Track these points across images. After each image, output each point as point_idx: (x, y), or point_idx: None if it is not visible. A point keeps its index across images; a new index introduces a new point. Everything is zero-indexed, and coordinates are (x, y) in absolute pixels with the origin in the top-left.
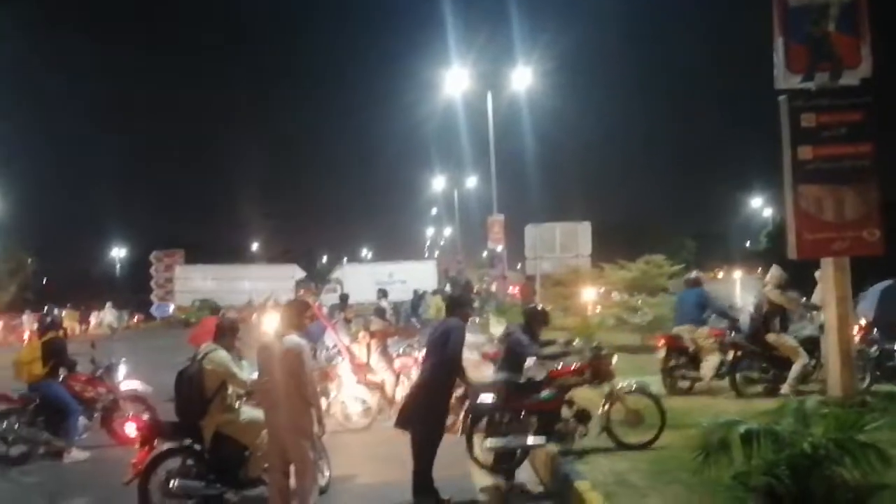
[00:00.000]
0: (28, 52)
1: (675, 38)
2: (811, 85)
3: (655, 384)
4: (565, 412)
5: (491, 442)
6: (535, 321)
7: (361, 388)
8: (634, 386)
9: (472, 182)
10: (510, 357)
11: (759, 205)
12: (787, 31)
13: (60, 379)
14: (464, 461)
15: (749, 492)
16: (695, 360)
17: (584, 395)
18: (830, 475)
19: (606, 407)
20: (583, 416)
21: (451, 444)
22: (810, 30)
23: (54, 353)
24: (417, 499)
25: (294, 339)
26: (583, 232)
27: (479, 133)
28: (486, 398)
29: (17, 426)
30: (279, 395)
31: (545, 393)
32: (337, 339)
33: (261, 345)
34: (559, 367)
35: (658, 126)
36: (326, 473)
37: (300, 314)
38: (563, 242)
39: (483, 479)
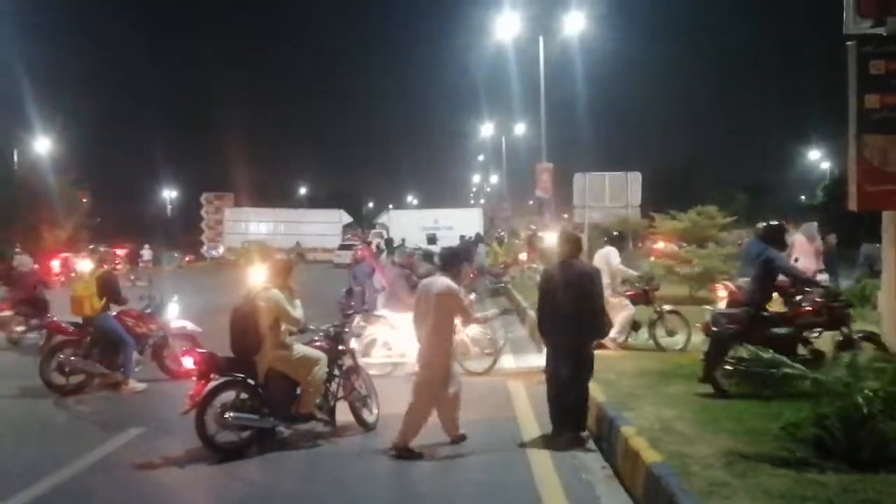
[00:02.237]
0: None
1: None
2: (882, 30)
3: None
4: (801, 351)
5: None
6: (775, 240)
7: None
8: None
9: (520, 129)
10: (764, 280)
11: (816, 157)
12: None
13: (114, 314)
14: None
15: (797, 442)
16: None
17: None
18: (883, 429)
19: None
20: (818, 357)
21: (490, 390)
22: None
23: (107, 287)
24: (567, 433)
25: (445, 281)
26: (633, 181)
27: (529, 79)
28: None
29: (73, 357)
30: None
31: (784, 329)
32: (384, 281)
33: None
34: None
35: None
36: (375, 411)
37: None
38: (613, 192)
39: (528, 424)
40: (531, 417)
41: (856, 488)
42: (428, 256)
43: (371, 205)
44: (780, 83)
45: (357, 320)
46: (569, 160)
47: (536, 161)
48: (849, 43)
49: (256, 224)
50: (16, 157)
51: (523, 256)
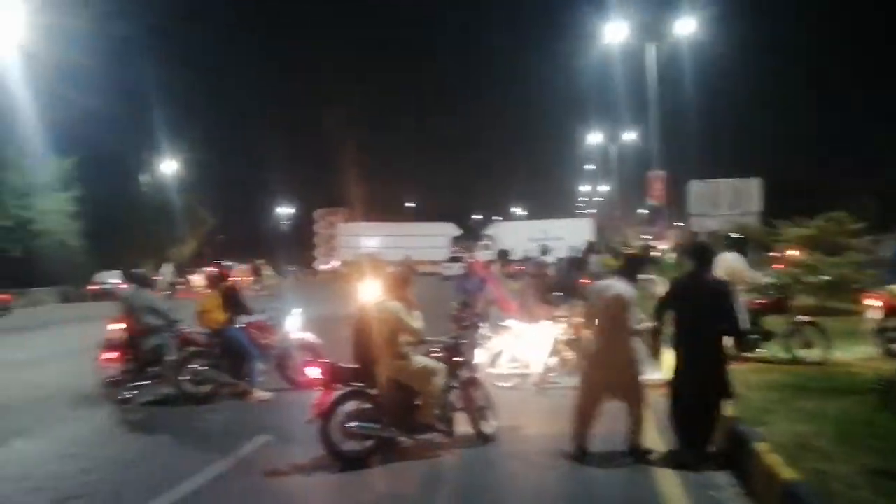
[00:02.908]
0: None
1: None
2: None
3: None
4: None
5: None
6: None
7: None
8: None
9: (629, 137)
10: None
11: None
12: None
13: (239, 326)
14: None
15: None
16: None
17: None
18: None
19: None
20: None
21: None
22: None
23: (232, 301)
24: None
25: (621, 285)
26: (753, 188)
27: (638, 86)
28: None
29: (203, 367)
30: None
31: None
32: (496, 293)
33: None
34: None
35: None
36: (493, 422)
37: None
38: (731, 199)
39: (650, 437)
40: (653, 431)
41: None
42: (539, 266)
43: (480, 217)
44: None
45: (482, 331)
46: (680, 168)
47: (647, 169)
48: None
49: (368, 238)
50: (142, 178)
51: None
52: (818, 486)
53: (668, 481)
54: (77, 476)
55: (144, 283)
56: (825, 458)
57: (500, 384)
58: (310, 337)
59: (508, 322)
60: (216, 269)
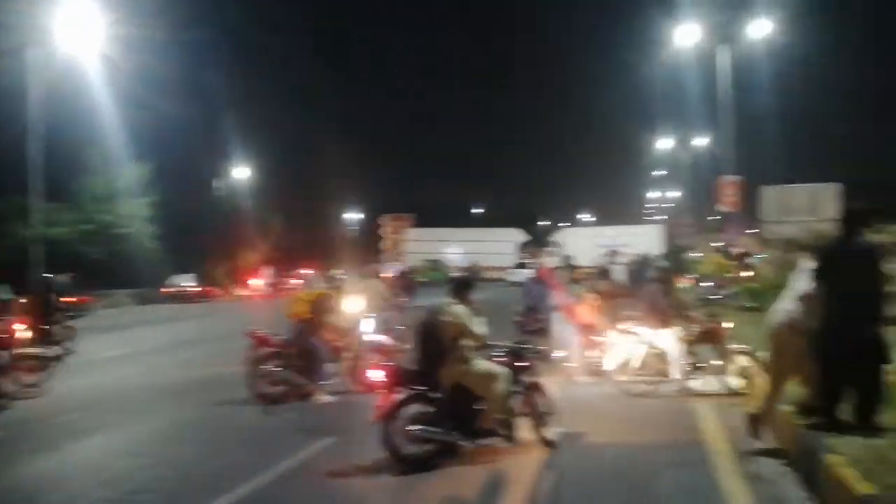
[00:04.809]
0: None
1: None
2: None
3: None
4: None
5: None
6: None
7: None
8: None
9: (702, 142)
10: None
11: None
12: None
13: (318, 327)
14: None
15: None
16: None
17: None
18: None
19: None
20: None
21: (676, 411)
22: None
23: (321, 308)
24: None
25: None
26: (830, 194)
27: (710, 90)
28: None
29: (276, 368)
30: None
31: None
32: (562, 300)
33: None
34: None
35: None
36: (556, 428)
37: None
38: (807, 205)
39: (720, 449)
40: (723, 442)
41: None
42: (603, 273)
43: (547, 222)
44: None
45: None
46: (753, 174)
47: (718, 175)
48: None
49: (436, 243)
50: (215, 184)
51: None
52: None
53: (737, 498)
54: (147, 470)
55: None
56: None
57: (631, 391)
58: (385, 339)
59: (636, 328)
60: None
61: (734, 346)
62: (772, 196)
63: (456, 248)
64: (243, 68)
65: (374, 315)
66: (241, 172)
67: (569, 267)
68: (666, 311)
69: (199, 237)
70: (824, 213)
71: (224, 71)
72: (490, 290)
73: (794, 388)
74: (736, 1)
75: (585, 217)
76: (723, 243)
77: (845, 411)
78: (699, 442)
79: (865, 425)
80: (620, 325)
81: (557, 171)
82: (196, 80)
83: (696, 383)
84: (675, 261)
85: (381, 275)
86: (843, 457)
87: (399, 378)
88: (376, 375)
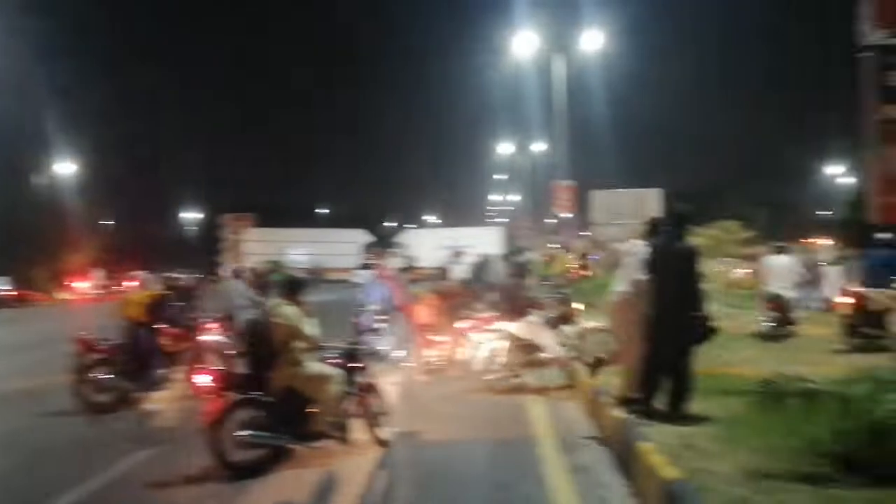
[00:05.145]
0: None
1: None
2: None
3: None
4: None
5: None
6: None
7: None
8: None
9: (540, 147)
10: None
11: (835, 172)
12: None
13: (152, 331)
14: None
15: (819, 457)
16: (879, 320)
17: None
18: None
19: None
20: None
21: (507, 407)
22: None
23: (156, 310)
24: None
25: None
26: (653, 198)
27: (548, 97)
28: None
29: (104, 375)
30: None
31: None
32: (401, 300)
33: None
34: None
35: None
36: (391, 428)
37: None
38: (632, 208)
39: (547, 442)
40: (549, 434)
41: (879, 503)
42: (441, 274)
43: (393, 224)
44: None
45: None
46: (588, 178)
47: (555, 179)
48: (864, 54)
49: (279, 244)
50: (34, 180)
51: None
52: (698, 484)
53: (561, 488)
54: None
55: None
56: (706, 457)
57: (497, 387)
58: (221, 338)
59: (498, 325)
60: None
61: (589, 324)
62: (601, 200)
63: (299, 248)
64: (77, 61)
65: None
66: (65, 168)
67: (409, 267)
68: (524, 302)
69: (14, 236)
70: (648, 215)
71: (52, 62)
72: (334, 292)
73: (615, 381)
74: (572, 12)
75: (431, 219)
76: (559, 245)
77: (660, 401)
78: (529, 436)
79: (677, 414)
80: (489, 325)
81: (404, 173)
82: (15, 73)
83: (531, 377)
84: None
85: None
86: (653, 444)
87: (227, 382)
88: (203, 380)
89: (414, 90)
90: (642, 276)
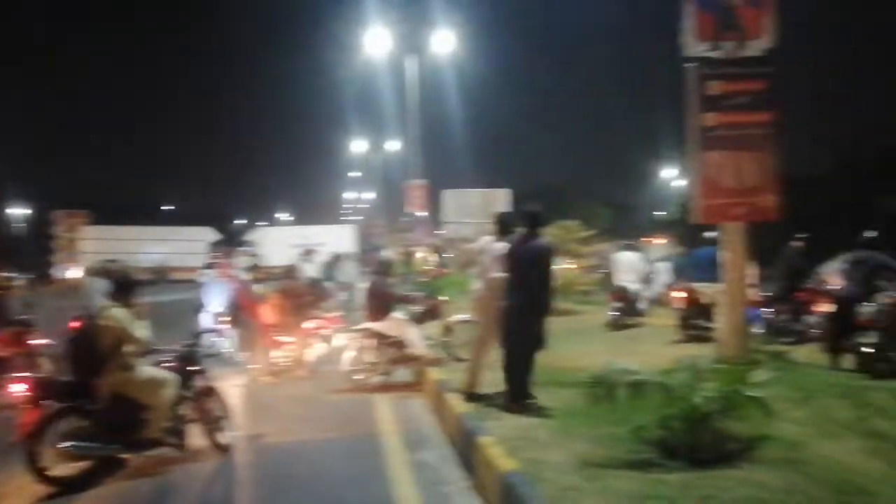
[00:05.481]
0: None
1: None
2: (717, 53)
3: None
4: None
5: None
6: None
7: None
8: None
9: (394, 146)
10: None
11: (671, 174)
12: None
13: None
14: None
15: (644, 444)
16: (708, 313)
17: None
18: (720, 427)
19: None
20: None
21: (353, 404)
22: None
23: None
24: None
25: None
26: (502, 198)
27: (402, 96)
28: None
29: None
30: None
31: None
32: (245, 299)
33: None
34: None
35: (576, 93)
36: (230, 433)
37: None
38: (483, 207)
39: (391, 438)
40: (394, 432)
41: (695, 485)
42: (290, 273)
43: (244, 221)
44: (638, 103)
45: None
46: (441, 177)
47: (409, 178)
48: (689, 65)
49: (120, 242)
50: None
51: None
52: (532, 474)
53: (403, 480)
54: None
55: None
56: (542, 447)
57: (365, 385)
58: (47, 342)
59: (364, 325)
60: None
61: (455, 318)
62: (452, 199)
63: (142, 247)
64: None
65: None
66: None
67: (255, 266)
68: (389, 298)
69: None
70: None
71: None
72: (179, 292)
73: (459, 377)
74: (424, 13)
75: (285, 216)
76: (412, 243)
77: (503, 394)
78: (374, 434)
79: (522, 406)
80: (336, 325)
81: (257, 171)
82: None
83: (378, 378)
84: (367, 259)
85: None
86: (493, 437)
87: (46, 391)
88: (18, 389)
89: (268, 87)
90: (497, 274)
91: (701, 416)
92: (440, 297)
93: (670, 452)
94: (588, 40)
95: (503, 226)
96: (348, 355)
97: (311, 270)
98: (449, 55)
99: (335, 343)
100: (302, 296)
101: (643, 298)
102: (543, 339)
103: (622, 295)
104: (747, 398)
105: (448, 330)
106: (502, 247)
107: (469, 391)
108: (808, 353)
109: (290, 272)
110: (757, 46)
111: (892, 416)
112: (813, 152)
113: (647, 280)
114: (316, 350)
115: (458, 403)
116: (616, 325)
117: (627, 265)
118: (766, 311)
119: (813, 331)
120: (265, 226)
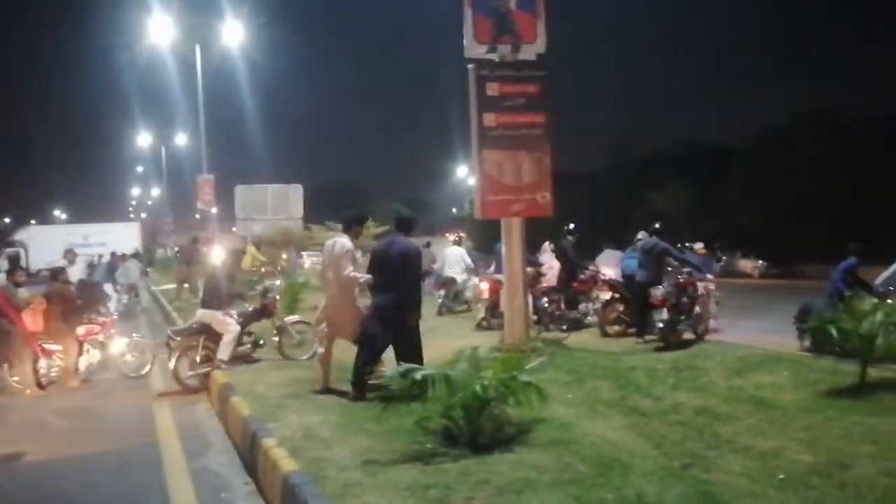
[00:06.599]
0: None
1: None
2: (495, 56)
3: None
4: None
5: None
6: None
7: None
8: None
9: (181, 140)
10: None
11: (466, 172)
12: (474, 3)
13: None
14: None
15: (428, 434)
16: None
17: None
18: (498, 413)
19: None
20: None
21: (131, 413)
22: (494, 4)
23: None
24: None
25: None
26: (294, 194)
27: (190, 88)
28: None
29: None
30: None
31: None
32: (4, 304)
33: None
34: None
35: (372, 89)
36: None
37: None
38: (275, 204)
39: (170, 446)
40: (175, 439)
41: (472, 471)
42: (55, 274)
43: (8, 220)
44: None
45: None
46: (232, 172)
47: (198, 173)
48: (469, 66)
49: None
50: None
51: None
52: (315, 473)
53: (182, 489)
54: None
55: None
56: (326, 445)
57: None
58: None
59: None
60: None
61: (290, 318)
62: (243, 195)
63: None
64: None
65: None
66: None
67: (15, 269)
68: (227, 295)
69: None
70: (289, 211)
71: None
72: None
73: (244, 378)
74: (212, 3)
75: (61, 214)
76: (201, 241)
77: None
78: (153, 443)
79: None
80: (111, 329)
81: (25, 163)
82: None
83: (160, 384)
84: (150, 258)
85: None
86: (275, 439)
87: None
88: None
89: (47, 77)
90: (353, 273)
91: (480, 404)
92: (272, 296)
93: (453, 441)
94: (387, 39)
95: (348, 226)
96: (174, 355)
97: (76, 272)
98: (239, 48)
99: (112, 349)
100: (71, 300)
101: (465, 288)
102: (418, 336)
103: (447, 285)
104: (524, 384)
105: (281, 330)
106: (352, 246)
107: (324, 386)
108: (582, 339)
109: (57, 274)
110: (532, 50)
111: (647, 394)
112: (589, 151)
113: (473, 272)
114: (90, 357)
115: (242, 406)
116: (442, 313)
117: (454, 258)
118: (545, 301)
119: (588, 318)
120: (35, 225)
